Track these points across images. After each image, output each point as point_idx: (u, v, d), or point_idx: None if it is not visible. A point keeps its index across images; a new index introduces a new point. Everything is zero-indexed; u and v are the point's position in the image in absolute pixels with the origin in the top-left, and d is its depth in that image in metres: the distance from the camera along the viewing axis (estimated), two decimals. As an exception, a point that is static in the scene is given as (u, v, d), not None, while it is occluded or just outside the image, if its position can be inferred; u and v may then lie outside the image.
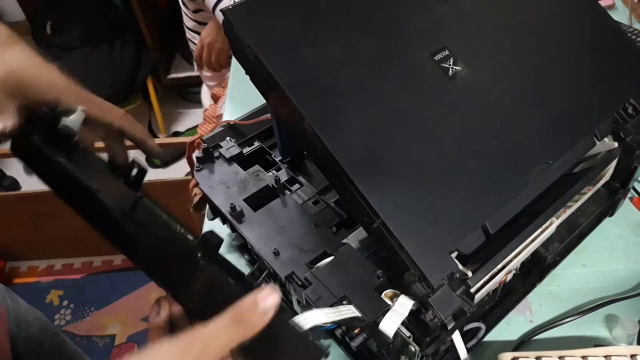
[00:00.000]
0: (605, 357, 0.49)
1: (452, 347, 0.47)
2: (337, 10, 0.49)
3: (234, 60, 1.11)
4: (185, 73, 2.14)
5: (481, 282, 0.44)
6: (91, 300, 1.62)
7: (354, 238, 0.50)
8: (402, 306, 0.42)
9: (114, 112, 0.44)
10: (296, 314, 0.55)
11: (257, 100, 0.58)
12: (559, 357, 0.50)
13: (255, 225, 0.54)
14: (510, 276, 0.53)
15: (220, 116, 1.12)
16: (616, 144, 0.56)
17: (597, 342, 0.55)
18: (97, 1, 1.92)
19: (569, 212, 0.53)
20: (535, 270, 0.58)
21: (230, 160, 0.60)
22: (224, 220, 0.61)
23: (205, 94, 1.57)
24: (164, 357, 0.28)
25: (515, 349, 0.54)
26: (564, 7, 0.61)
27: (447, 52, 0.51)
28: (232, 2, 0.47)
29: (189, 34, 1.47)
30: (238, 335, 0.30)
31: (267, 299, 0.31)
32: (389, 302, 0.43)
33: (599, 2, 0.63)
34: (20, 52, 0.39)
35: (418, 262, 0.41)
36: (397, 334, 0.43)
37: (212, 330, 0.30)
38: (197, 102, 1.96)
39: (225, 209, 0.55)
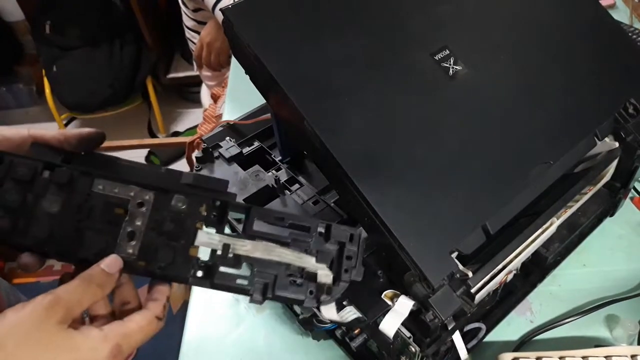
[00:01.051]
0: (605, 357, 0.49)
1: (453, 348, 0.47)
2: (337, 9, 0.49)
3: (233, 60, 1.11)
4: (185, 73, 2.14)
5: (482, 282, 0.44)
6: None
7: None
8: (403, 306, 0.42)
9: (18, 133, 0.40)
10: (296, 314, 0.55)
11: (257, 100, 0.58)
12: (560, 358, 0.50)
13: (255, 226, 0.54)
14: (510, 276, 0.53)
15: (220, 116, 1.12)
16: (617, 144, 0.56)
17: (597, 343, 0.55)
18: (96, 1, 1.92)
19: (569, 212, 0.53)
20: (536, 270, 0.58)
21: (230, 160, 0.60)
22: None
23: (204, 93, 1.57)
24: (23, 315, 0.31)
25: (516, 350, 0.54)
26: (564, 6, 0.60)
27: (447, 52, 0.50)
28: (231, 2, 0.47)
29: (188, 34, 1.47)
30: (89, 294, 0.34)
31: (112, 264, 0.35)
32: (389, 302, 0.43)
33: (600, 1, 0.63)
34: None
35: (418, 262, 0.41)
36: (398, 334, 0.43)
37: (64, 290, 0.33)
38: (197, 102, 1.96)
39: (225, 209, 0.55)
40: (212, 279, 0.37)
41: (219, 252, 0.38)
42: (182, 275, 0.37)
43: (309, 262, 0.39)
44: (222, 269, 0.38)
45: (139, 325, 0.35)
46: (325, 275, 0.38)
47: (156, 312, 0.36)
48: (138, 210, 0.37)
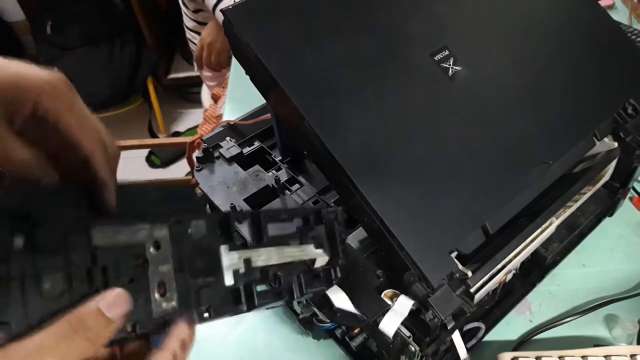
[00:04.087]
0: (605, 357, 0.49)
1: (452, 347, 0.47)
2: (337, 10, 0.49)
3: (234, 60, 1.11)
4: (185, 73, 2.14)
5: (481, 282, 0.44)
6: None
7: (354, 238, 0.50)
8: (402, 306, 0.42)
9: (93, 135, 0.29)
10: (296, 313, 0.55)
11: (257, 100, 0.58)
12: (559, 357, 0.50)
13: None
14: (510, 276, 0.53)
15: (220, 116, 1.12)
16: (616, 144, 0.56)
17: (597, 342, 0.55)
18: (97, 1, 1.92)
19: (568, 212, 0.53)
20: (535, 270, 0.58)
21: (230, 160, 0.60)
22: (224, 220, 0.61)
23: (205, 94, 1.57)
24: None
25: (515, 349, 0.54)
26: (563, 7, 0.61)
27: (447, 52, 0.51)
28: (232, 2, 0.47)
29: (189, 34, 1.47)
30: (76, 350, 0.23)
31: (114, 303, 0.24)
32: (388, 302, 0.43)
33: (599, 2, 0.63)
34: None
35: (418, 262, 0.41)
36: (397, 333, 0.43)
37: (32, 348, 0.22)
38: (197, 102, 1.96)
39: (225, 209, 0.55)
40: (253, 302, 0.35)
41: (241, 271, 0.35)
42: (229, 313, 0.34)
43: (311, 251, 0.39)
44: (259, 288, 0.36)
45: None
46: (322, 260, 0.40)
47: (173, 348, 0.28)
48: (158, 254, 0.30)
